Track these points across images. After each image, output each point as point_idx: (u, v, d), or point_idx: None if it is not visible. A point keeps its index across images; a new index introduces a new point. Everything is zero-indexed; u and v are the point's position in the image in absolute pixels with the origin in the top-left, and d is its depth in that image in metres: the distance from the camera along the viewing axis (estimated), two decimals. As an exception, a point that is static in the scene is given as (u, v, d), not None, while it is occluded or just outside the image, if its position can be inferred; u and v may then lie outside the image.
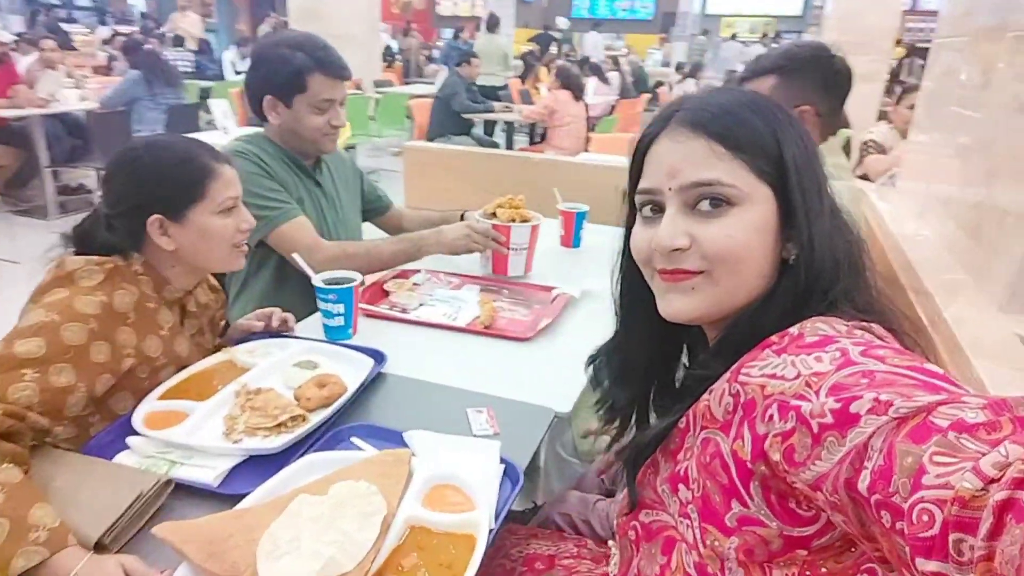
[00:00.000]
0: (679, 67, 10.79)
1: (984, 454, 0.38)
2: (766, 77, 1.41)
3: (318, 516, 0.76)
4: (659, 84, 9.40)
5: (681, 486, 0.65)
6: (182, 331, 1.13)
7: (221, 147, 1.51)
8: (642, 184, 0.69)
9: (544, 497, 1.23)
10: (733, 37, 14.52)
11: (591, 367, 0.85)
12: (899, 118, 3.04)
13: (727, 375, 0.62)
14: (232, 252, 1.13)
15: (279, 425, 0.97)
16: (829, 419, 0.47)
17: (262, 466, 0.91)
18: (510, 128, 6.08)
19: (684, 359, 0.80)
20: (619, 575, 0.77)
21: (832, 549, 0.56)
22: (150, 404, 1.02)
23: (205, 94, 6.11)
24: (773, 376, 0.55)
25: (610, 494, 1.28)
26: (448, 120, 5.48)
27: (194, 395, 1.06)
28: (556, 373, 1.23)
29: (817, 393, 0.49)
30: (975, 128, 1.46)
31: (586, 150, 5.15)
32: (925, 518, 0.38)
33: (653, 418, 0.79)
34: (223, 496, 0.86)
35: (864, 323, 0.58)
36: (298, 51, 1.48)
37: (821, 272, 0.62)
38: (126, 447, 0.94)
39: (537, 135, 5.93)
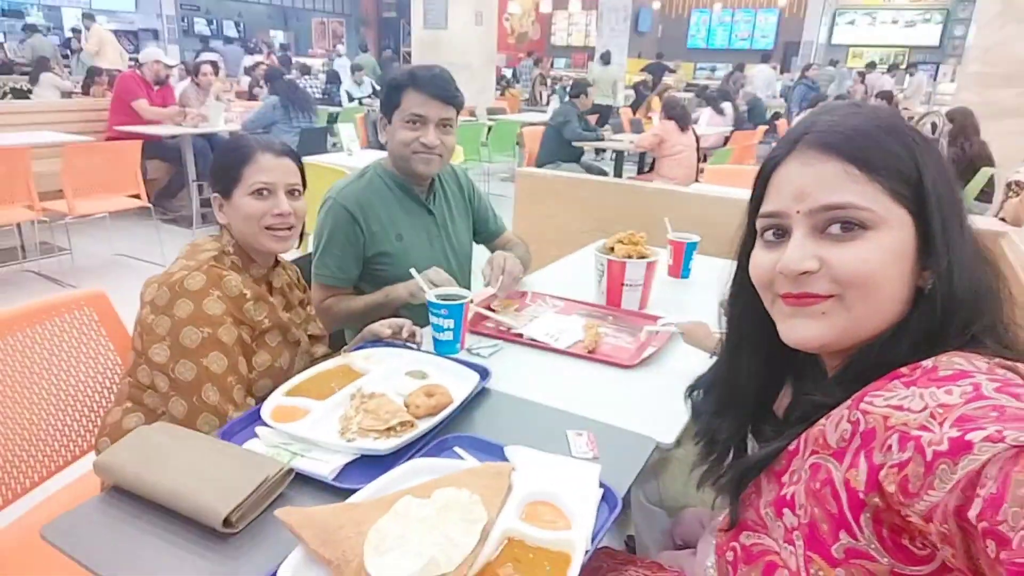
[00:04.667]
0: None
1: None
2: None
3: (424, 518, 0.80)
4: (777, 116, 9.09)
5: (786, 511, 0.63)
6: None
7: (348, 181, 1.67)
8: (766, 207, 0.67)
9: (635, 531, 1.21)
10: (873, 66, 12.90)
11: (689, 398, 0.84)
12: (1052, 157, 2.76)
13: (848, 401, 0.60)
14: (263, 232, 1.24)
15: (389, 429, 1.03)
16: (944, 447, 0.46)
17: (372, 465, 0.97)
18: (619, 157, 6.09)
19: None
20: None
21: None
22: (277, 399, 1.11)
23: (333, 118, 6.58)
24: (899, 408, 0.53)
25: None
26: (559, 148, 5.57)
27: (314, 394, 1.14)
28: (659, 403, 1.22)
29: (941, 424, 0.48)
30: None
31: (697, 180, 5.07)
32: None
33: (751, 446, 0.77)
34: (335, 489, 0.93)
35: (1008, 362, 0.55)
36: (406, 71, 1.57)
37: (960, 304, 0.58)
38: (254, 435, 1.03)
39: (646, 164, 5.89)
